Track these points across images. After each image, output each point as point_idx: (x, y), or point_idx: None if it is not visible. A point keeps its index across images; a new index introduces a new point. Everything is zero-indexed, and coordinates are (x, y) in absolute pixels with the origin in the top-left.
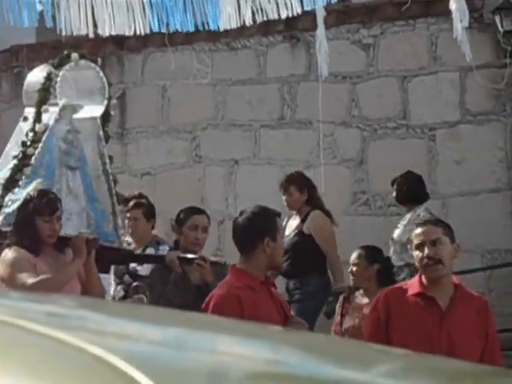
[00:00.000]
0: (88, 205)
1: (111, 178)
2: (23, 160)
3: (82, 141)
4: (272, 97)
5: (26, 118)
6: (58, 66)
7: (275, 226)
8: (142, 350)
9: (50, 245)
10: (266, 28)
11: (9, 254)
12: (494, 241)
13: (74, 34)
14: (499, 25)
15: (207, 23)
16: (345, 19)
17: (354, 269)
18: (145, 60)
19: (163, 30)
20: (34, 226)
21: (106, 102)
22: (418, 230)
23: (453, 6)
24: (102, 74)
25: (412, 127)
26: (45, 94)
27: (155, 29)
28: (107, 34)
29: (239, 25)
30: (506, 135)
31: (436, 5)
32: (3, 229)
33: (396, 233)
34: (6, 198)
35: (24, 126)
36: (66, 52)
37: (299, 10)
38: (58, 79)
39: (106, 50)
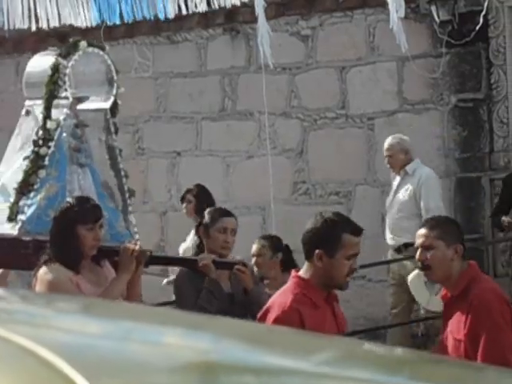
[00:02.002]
0: (99, 204)
1: (122, 173)
2: (36, 161)
3: (88, 134)
4: (213, 89)
5: (28, 112)
6: (66, 56)
7: (336, 242)
8: (75, 342)
9: (88, 258)
10: (206, 21)
11: (48, 273)
12: None
13: (17, 27)
14: (435, 15)
15: (153, 14)
16: (283, 11)
17: (260, 260)
18: None
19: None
20: (75, 237)
21: (114, 91)
22: (417, 232)
23: None
24: (110, 61)
25: (351, 117)
26: (54, 87)
27: (97, 21)
28: (52, 26)
29: (184, 12)
30: (444, 124)
31: None
32: (23, 238)
33: None
34: (21, 203)
35: (29, 122)
36: (72, 40)
37: (238, 2)
38: (67, 71)
39: (48, 45)
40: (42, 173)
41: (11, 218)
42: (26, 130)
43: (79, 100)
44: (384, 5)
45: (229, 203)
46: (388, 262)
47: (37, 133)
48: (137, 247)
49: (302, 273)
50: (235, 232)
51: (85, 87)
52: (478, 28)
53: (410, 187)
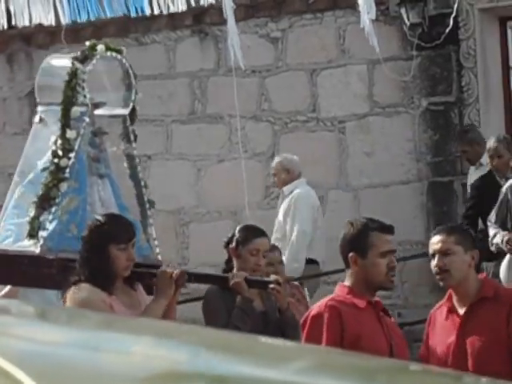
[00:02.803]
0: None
1: (142, 183)
2: (57, 173)
3: (106, 142)
4: (182, 92)
5: (42, 120)
6: (83, 60)
7: (365, 242)
8: (34, 351)
9: (121, 279)
10: (174, 22)
11: (79, 294)
12: (405, 232)
13: None
14: (405, 17)
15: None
16: (253, 13)
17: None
18: None
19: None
20: (108, 257)
21: (133, 97)
22: (432, 239)
23: None
24: (128, 65)
25: (322, 120)
26: (73, 93)
27: (68, 20)
28: (21, 26)
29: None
30: (415, 127)
31: None
32: (47, 256)
33: None
34: (42, 218)
35: (43, 130)
36: (89, 43)
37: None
38: (85, 76)
39: (13, 47)
40: (64, 186)
41: (32, 235)
42: (41, 138)
43: (96, 106)
44: (354, 7)
45: (200, 208)
46: None
47: (55, 142)
48: (175, 271)
49: (345, 282)
50: (267, 254)
51: (102, 93)
52: (448, 30)
53: (284, 208)
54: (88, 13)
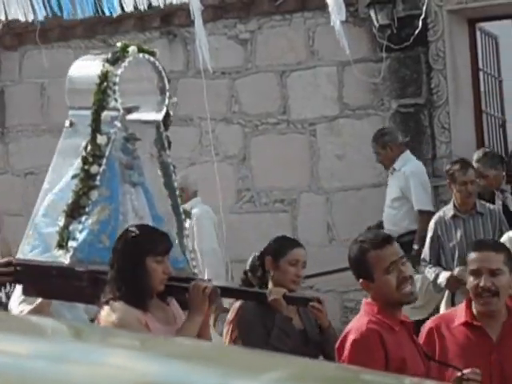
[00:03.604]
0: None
1: (177, 192)
2: (87, 181)
3: (139, 149)
4: None
5: (72, 124)
6: (115, 62)
7: (365, 265)
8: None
9: (156, 293)
10: (143, 24)
11: (112, 314)
12: None
13: None
14: (374, 19)
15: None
16: (221, 14)
17: None
18: (21, 58)
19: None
20: (144, 270)
21: (167, 102)
22: (476, 255)
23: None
24: (161, 68)
25: (292, 122)
26: (103, 97)
27: (40, 17)
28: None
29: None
30: None
31: None
32: (77, 268)
33: None
34: (71, 228)
35: (74, 135)
36: (120, 44)
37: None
38: (117, 79)
39: None
40: (94, 194)
41: (61, 245)
42: (71, 144)
43: (129, 111)
44: (323, 8)
45: None
46: (335, 272)
47: (85, 148)
48: (209, 284)
49: (370, 299)
50: (305, 264)
51: (135, 97)
52: (417, 32)
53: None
54: (62, 12)
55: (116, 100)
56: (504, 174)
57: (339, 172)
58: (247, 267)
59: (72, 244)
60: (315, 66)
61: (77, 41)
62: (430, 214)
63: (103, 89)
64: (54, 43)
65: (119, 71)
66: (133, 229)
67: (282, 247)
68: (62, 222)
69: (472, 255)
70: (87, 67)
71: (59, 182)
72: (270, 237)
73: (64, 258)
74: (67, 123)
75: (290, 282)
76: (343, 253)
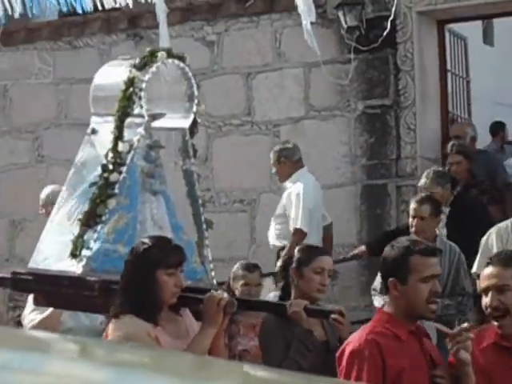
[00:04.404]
0: (173, 237)
1: (199, 201)
2: (105, 189)
3: (163, 157)
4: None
5: (94, 131)
6: (142, 68)
7: (405, 266)
8: None
9: (166, 307)
10: (109, 26)
11: (121, 328)
12: (338, 235)
13: None
14: (342, 20)
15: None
16: (188, 16)
17: None
18: None
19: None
20: (155, 283)
21: (195, 109)
22: (485, 271)
23: (299, 1)
24: (190, 74)
25: (256, 124)
26: (128, 103)
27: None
28: None
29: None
30: (350, 130)
31: (280, 1)
32: (88, 278)
33: None
34: (86, 237)
35: (95, 142)
36: (149, 49)
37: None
38: (143, 85)
39: None
40: (112, 202)
41: (74, 254)
42: (92, 151)
43: (154, 117)
44: (290, 10)
45: None
46: None
47: (106, 156)
48: (224, 296)
49: (385, 307)
50: (331, 273)
51: (161, 103)
52: (385, 34)
53: None
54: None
55: (141, 106)
56: (450, 192)
57: None
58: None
59: (85, 253)
60: (282, 68)
61: (43, 42)
62: (303, 234)
63: (128, 95)
64: (19, 45)
65: (146, 77)
66: (145, 240)
67: (306, 255)
68: (76, 230)
69: (484, 271)
70: (113, 73)
71: (77, 189)
72: (228, 236)
73: (76, 268)
74: (89, 130)
75: (315, 290)
76: None
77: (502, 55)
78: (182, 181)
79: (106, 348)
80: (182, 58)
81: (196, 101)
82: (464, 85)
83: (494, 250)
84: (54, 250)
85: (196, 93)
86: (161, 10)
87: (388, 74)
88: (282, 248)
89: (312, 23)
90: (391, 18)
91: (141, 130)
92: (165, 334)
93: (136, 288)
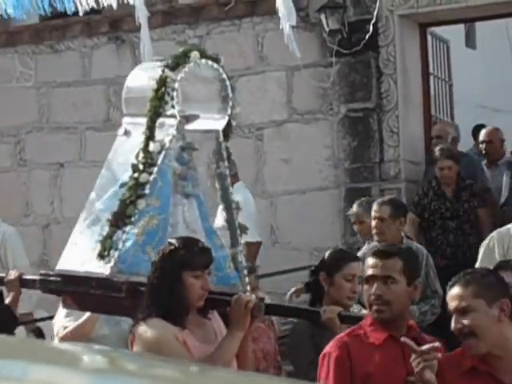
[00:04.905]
0: (206, 241)
1: (234, 205)
2: (135, 189)
3: (196, 159)
4: (97, 99)
5: (127, 132)
6: (174, 68)
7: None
8: None
9: (194, 309)
10: (90, 29)
11: (149, 330)
12: (322, 238)
13: None
14: (325, 24)
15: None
16: (170, 20)
17: None
18: None
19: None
20: (181, 285)
21: (229, 111)
22: (449, 293)
23: (279, 4)
24: (225, 75)
25: (239, 127)
26: (160, 103)
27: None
28: None
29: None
30: (333, 134)
31: (261, 5)
32: (116, 279)
33: None
34: (115, 238)
35: (126, 142)
36: (182, 49)
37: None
38: (176, 85)
39: None
40: (142, 203)
41: (102, 255)
42: (124, 152)
43: (187, 119)
44: (272, 13)
45: None
46: (278, 274)
47: (137, 156)
48: (252, 298)
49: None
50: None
51: (195, 104)
52: (367, 37)
53: None
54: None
55: (173, 107)
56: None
57: (285, 176)
58: None
59: (114, 254)
60: (264, 71)
61: (24, 46)
62: (258, 245)
63: (160, 95)
64: (0, 49)
65: (179, 77)
66: (172, 241)
67: (336, 261)
68: (105, 231)
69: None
70: (145, 74)
71: (107, 191)
72: None
73: (104, 269)
74: (121, 131)
75: (346, 298)
76: (286, 255)
77: (484, 58)
78: (216, 185)
79: (94, 356)
80: (215, 59)
81: (231, 103)
82: (447, 88)
83: (496, 256)
84: (82, 252)
85: (230, 94)
86: (142, 14)
87: (370, 77)
88: None
89: (294, 27)
90: (373, 21)
91: (172, 131)
92: (193, 338)
93: (162, 290)
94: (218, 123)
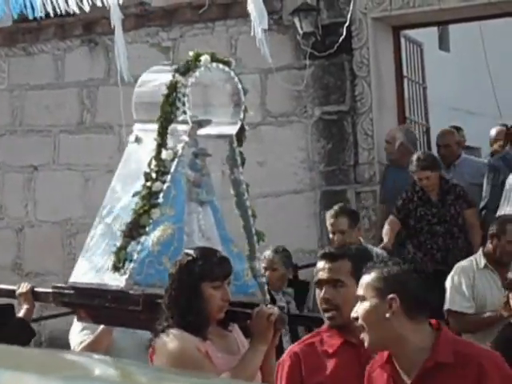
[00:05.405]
0: (223, 249)
1: (249, 212)
2: (149, 199)
3: (209, 166)
4: (71, 101)
5: (138, 139)
6: (185, 72)
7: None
8: None
9: (214, 322)
10: (63, 32)
11: (170, 342)
12: (298, 241)
13: None
14: (298, 26)
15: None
16: (143, 22)
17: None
18: None
19: None
20: (200, 296)
21: (242, 115)
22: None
23: (251, 7)
24: (237, 79)
25: None
26: (171, 109)
27: None
28: None
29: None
30: (307, 136)
31: (235, 7)
32: (132, 291)
33: None
34: (129, 249)
35: (138, 150)
36: (193, 53)
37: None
38: (187, 90)
39: None
40: (156, 212)
41: (117, 267)
42: (135, 159)
43: (199, 124)
44: (246, 16)
45: (88, 218)
46: None
47: (149, 164)
48: (274, 310)
49: None
50: None
51: (206, 109)
52: (341, 40)
53: None
54: None
55: (185, 112)
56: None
57: (259, 178)
58: None
59: (129, 266)
60: (238, 74)
61: None
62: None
63: (172, 100)
64: None
65: (190, 81)
66: (190, 251)
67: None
68: (119, 242)
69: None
70: (155, 79)
71: (120, 201)
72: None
73: (119, 281)
74: (132, 138)
75: None
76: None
77: (458, 61)
78: (231, 191)
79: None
80: (227, 63)
81: (243, 107)
82: (420, 91)
83: (463, 287)
84: (96, 263)
85: (243, 98)
86: (116, 16)
87: (344, 80)
88: None
89: (266, 30)
90: (347, 24)
91: (185, 137)
92: (215, 349)
93: (181, 302)
94: (231, 128)
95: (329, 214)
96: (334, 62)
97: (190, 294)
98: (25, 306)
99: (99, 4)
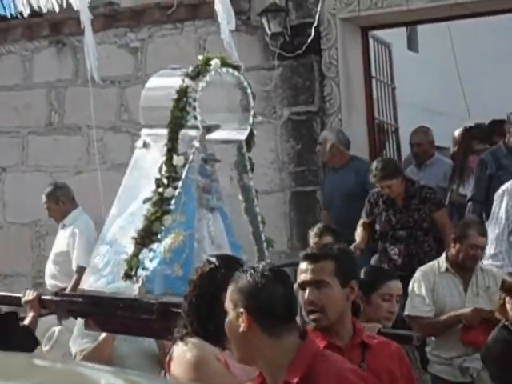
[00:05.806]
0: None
1: (259, 218)
2: (160, 205)
3: (218, 171)
4: (39, 102)
5: (146, 145)
6: (195, 77)
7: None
8: None
9: None
10: (31, 33)
11: (189, 351)
12: None
13: None
14: (266, 27)
15: None
16: (112, 23)
17: None
18: None
19: None
20: (221, 305)
21: (251, 120)
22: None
23: (218, 8)
24: (246, 84)
25: None
26: (182, 114)
27: None
28: None
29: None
30: (277, 137)
31: (203, 8)
32: (146, 300)
33: None
34: (141, 256)
35: (146, 155)
36: (202, 57)
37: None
38: (197, 95)
39: None
40: (168, 219)
41: (129, 275)
42: (144, 165)
43: (208, 130)
44: (214, 17)
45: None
46: None
47: (160, 170)
48: None
49: None
50: (399, 299)
51: (216, 114)
52: (309, 40)
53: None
54: None
55: (195, 117)
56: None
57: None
58: None
59: (141, 273)
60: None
61: None
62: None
63: (182, 105)
64: None
65: (200, 86)
66: (212, 259)
67: (373, 280)
68: (130, 249)
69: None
70: (163, 83)
71: (129, 206)
72: None
73: (131, 289)
74: (140, 143)
75: (383, 318)
76: None
77: (426, 61)
78: (240, 197)
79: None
80: (236, 67)
81: (252, 112)
82: (389, 91)
83: (423, 291)
84: (107, 272)
85: (252, 103)
86: (85, 16)
87: (313, 80)
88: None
89: (233, 31)
90: (315, 24)
91: (195, 142)
92: (233, 359)
93: (201, 311)
94: (240, 133)
95: (312, 233)
96: (303, 62)
97: (210, 303)
98: (30, 314)
99: (68, 3)
